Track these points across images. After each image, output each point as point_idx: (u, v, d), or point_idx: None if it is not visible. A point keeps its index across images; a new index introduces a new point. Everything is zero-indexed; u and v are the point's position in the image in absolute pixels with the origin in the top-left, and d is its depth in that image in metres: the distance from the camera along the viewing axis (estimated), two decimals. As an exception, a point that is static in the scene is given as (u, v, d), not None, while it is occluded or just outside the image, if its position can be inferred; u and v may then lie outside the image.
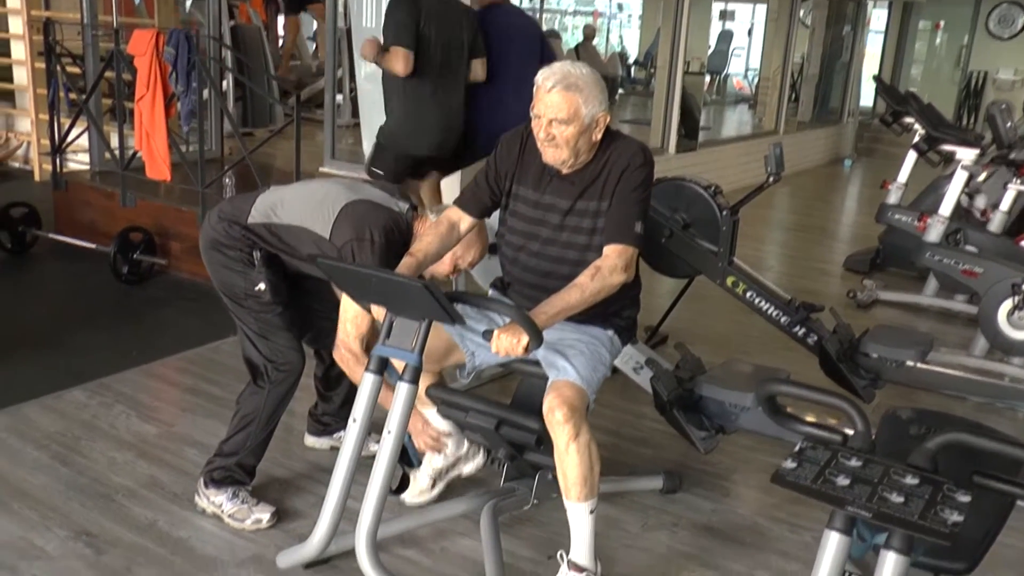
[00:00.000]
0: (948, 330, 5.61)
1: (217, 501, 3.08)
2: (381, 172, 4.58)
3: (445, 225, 2.93)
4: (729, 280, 4.12)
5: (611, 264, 2.68)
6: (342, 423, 3.25)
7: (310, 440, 3.61)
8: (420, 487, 3.22)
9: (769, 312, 4.10)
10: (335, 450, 3.02)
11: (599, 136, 2.74)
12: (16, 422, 3.68)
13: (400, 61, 4.28)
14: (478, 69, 4.58)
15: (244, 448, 3.10)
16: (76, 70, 6.57)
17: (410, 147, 4.53)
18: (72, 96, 6.44)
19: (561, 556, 2.72)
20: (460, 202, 2.98)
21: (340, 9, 6.85)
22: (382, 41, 4.34)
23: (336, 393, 3.50)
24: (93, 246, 5.63)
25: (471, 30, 4.51)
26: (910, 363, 3.84)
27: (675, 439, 3.57)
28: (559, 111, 2.65)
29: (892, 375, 3.87)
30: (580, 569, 2.68)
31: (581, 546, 2.69)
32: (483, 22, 4.65)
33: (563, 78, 2.65)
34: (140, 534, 2.99)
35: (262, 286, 3.01)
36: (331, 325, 3.33)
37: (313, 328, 3.32)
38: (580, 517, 2.68)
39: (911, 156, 6.02)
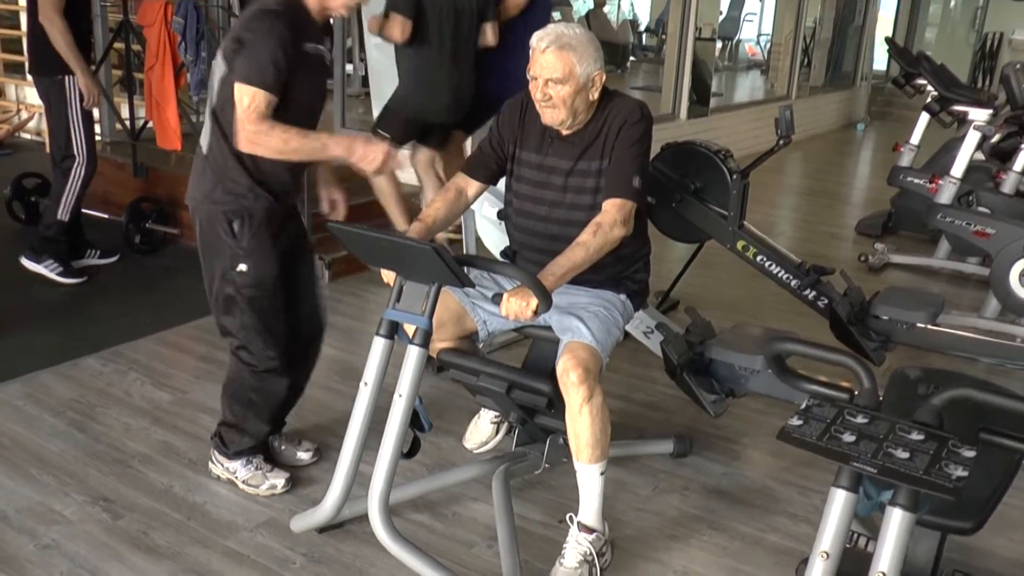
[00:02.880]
0: (960, 292, 5.60)
1: (231, 467, 3.11)
2: (387, 135, 4.58)
3: (452, 191, 2.95)
4: (739, 244, 4.11)
5: (611, 219, 2.70)
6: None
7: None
8: (482, 437, 3.25)
9: (779, 276, 4.10)
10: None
11: (596, 95, 2.77)
12: (33, 389, 3.72)
13: (396, 28, 4.29)
14: (488, 33, 4.55)
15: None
16: (86, 41, 6.55)
17: (419, 113, 4.53)
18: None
19: (570, 518, 2.74)
20: (466, 168, 3.01)
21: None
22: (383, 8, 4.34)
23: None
24: (106, 216, 5.64)
25: None
26: (920, 325, 3.83)
27: (685, 403, 3.59)
28: (554, 71, 2.68)
29: (902, 337, 3.86)
30: (589, 530, 2.71)
31: (590, 508, 2.72)
32: None
33: (557, 39, 2.69)
34: (156, 499, 3.03)
35: (243, 267, 2.91)
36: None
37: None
38: (590, 479, 2.70)
39: (923, 118, 5.98)
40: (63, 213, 4.86)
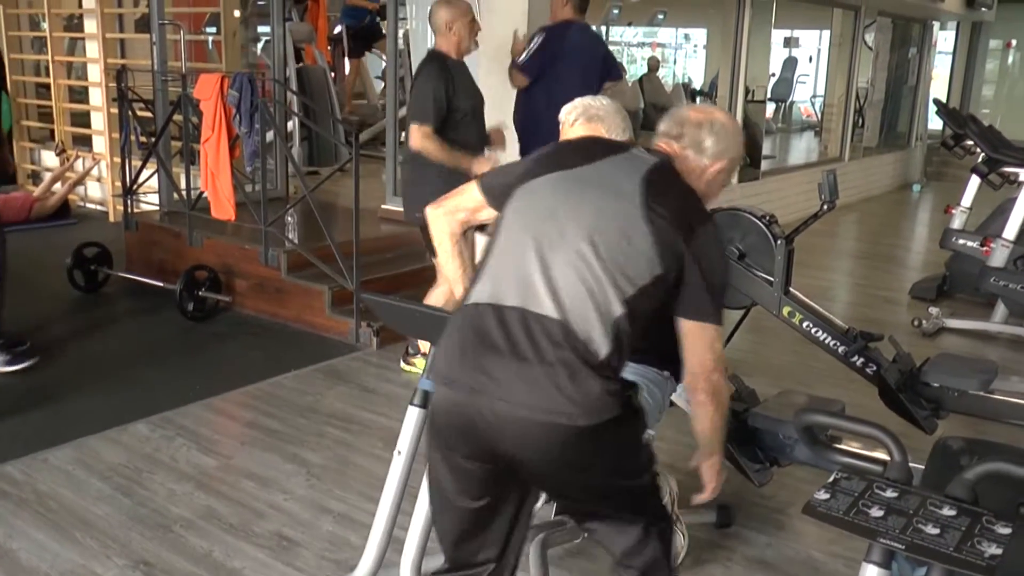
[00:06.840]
0: (1019, 358, 5.46)
1: None
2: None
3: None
4: (785, 310, 4.06)
5: None
6: None
7: None
8: None
9: (826, 342, 4.03)
10: None
11: None
12: (82, 454, 3.79)
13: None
14: None
15: None
16: (147, 114, 6.78)
17: None
18: (142, 139, 6.64)
19: None
20: None
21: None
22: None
23: None
24: (161, 284, 5.77)
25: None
26: (973, 392, 3.74)
27: (729, 472, 3.52)
28: None
29: (953, 405, 3.76)
30: None
31: None
32: (556, 38, 4.78)
33: (584, 111, 2.73)
34: (195, 564, 3.04)
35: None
36: None
37: None
38: None
39: (973, 180, 5.91)
40: None
